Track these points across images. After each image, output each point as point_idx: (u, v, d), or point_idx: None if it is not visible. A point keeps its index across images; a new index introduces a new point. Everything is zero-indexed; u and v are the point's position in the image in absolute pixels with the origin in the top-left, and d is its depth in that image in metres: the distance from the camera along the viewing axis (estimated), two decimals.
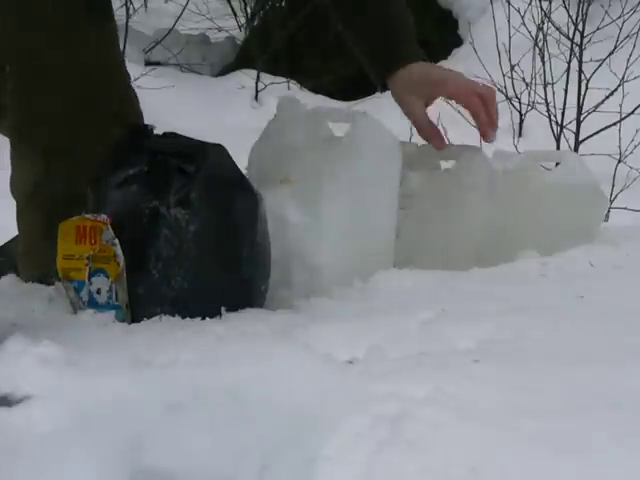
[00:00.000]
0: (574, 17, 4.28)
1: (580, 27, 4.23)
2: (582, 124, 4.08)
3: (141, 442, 0.95)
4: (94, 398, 0.98)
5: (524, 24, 4.59)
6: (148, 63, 6.41)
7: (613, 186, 3.79)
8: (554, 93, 4.17)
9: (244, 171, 1.52)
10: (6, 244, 1.81)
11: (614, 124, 4.05)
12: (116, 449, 0.95)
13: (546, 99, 4.22)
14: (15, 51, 1.63)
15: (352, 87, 6.41)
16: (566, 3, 4.40)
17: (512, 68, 4.53)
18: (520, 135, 4.93)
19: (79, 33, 1.64)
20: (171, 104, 4.95)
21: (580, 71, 4.13)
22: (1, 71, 1.64)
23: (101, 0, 1.70)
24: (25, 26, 1.62)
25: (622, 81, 4.12)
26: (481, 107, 1.68)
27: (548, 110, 4.19)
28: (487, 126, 1.69)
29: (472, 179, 1.66)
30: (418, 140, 1.75)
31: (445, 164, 1.73)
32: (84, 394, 0.98)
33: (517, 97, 4.60)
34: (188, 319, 1.30)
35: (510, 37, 4.62)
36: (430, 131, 1.67)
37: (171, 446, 0.95)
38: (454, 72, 1.75)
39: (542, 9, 4.57)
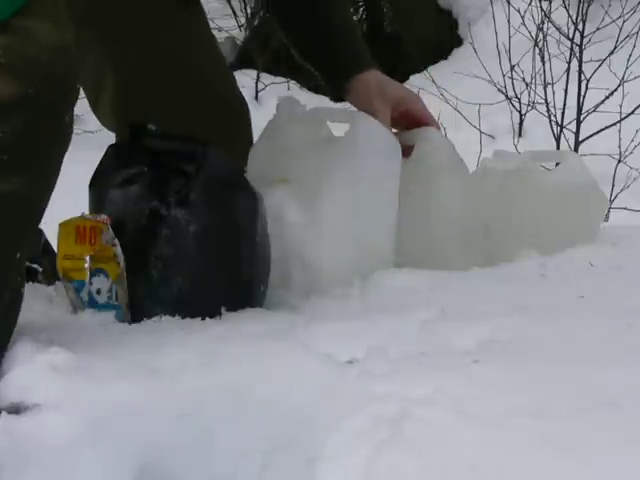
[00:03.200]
0: (574, 17, 4.28)
1: (580, 27, 4.23)
2: (582, 124, 4.08)
3: (152, 450, 0.95)
4: (104, 407, 0.98)
5: (524, 24, 4.60)
6: None
7: (613, 186, 3.80)
8: (554, 93, 4.17)
9: (244, 171, 1.52)
10: None
11: (614, 124, 4.05)
12: (127, 458, 0.95)
13: (546, 99, 4.22)
14: (114, 52, 1.66)
15: None
16: (566, 3, 4.40)
17: (512, 68, 4.53)
18: (520, 135, 4.93)
19: (170, 21, 1.67)
20: None
21: (580, 71, 4.13)
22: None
23: None
24: (121, 28, 1.65)
25: (622, 81, 4.12)
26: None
27: (548, 110, 4.20)
28: None
29: (433, 161, 1.65)
30: None
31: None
32: (94, 403, 0.98)
33: (517, 97, 4.60)
34: (188, 319, 1.30)
35: (510, 37, 4.62)
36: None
37: (179, 451, 0.95)
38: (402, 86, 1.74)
39: (542, 9, 4.57)
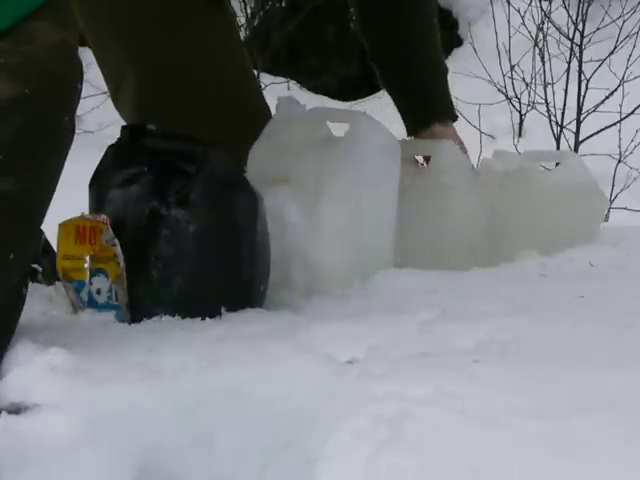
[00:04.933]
0: (574, 17, 4.28)
1: (580, 27, 4.23)
2: (582, 124, 4.09)
3: (152, 451, 0.95)
4: (104, 407, 0.98)
5: (524, 24, 4.60)
6: None
7: (613, 186, 3.80)
8: (554, 93, 4.17)
9: (244, 171, 1.52)
10: None
11: (614, 124, 4.05)
12: (127, 458, 0.95)
13: (546, 99, 4.22)
14: (136, 52, 1.66)
15: (352, 87, 6.42)
16: (566, 3, 4.40)
17: (512, 68, 4.54)
18: (520, 135, 4.93)
19: (196, 21, 1.67)
20: None
21: (580, 71, 4.13)
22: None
23: None
24: (143, 28, 1.65)
25: (622, 81, 4.12)
26: None
27: (548, 110, 4.20)
28: None
29: (449, 178, 1.66)
30: None
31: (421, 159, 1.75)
32: (94, 403, 0.98)
33: (517, 97, 4.60)
34: (188, 319, 1.30)
35: (510, 37, 4.62)
36: None
37: (179, 452, 0.95)
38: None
39: (542, 9, 4.57)
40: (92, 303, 1.34)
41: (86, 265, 1.34)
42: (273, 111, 1.63)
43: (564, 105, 4.14)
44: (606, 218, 3.16)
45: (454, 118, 1.87)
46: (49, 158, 1.14)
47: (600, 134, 4.09)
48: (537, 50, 4.47)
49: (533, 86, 4.46)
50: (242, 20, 7.16)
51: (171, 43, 1.66)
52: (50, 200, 1.16)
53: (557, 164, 1.94)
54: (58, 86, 1.12)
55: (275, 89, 5.90)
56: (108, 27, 1.68)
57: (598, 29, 4.37)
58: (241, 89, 1.74)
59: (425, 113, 1.83)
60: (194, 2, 1.69)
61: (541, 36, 4.47)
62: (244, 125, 1.65)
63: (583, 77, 4.12)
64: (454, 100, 1.86)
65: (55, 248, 1.37)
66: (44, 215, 1.16)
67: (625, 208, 3.71)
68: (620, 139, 3.98)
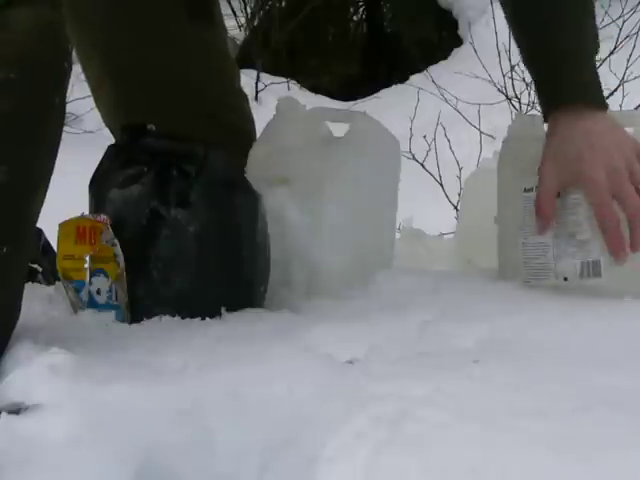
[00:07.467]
0: None
1: None
2: None
3: (152, 450, 0.95)
4: (104, 407, 0.98)
5: None
6: None
7: None
8: None
9: (244, 171, 1.52)
10: None
11: None
12: (127, 458, 0.95)
13: None
14: (114, 55, 1.67)
15: (352, 87, 6.43)
16: None
17: (512, 68, 4.53)
18: None
19: (176, 36, 1.66)
20: None
21: None
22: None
23: (203, 4, 1.71)
24: (123, 29, 1.65)
25: (622, 81, 4.12)
26: (612, 222, 1.32)
27: None
28: (614, 247, 1.33)
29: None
30: (417, 140, 1.75)
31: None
32: (94, 403, 0.98)
33: (517, 97, 4.60)
34: (188, 319, 1.30)
35: (510, 37, 4.61)
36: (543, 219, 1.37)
37: (179, 451, 0.96)
38: (599, 146, 1.40)
39: None
40: (92, 303, 1.34)
41: (86, 265, 1.34)
42: (273, 111, 1.63)
43: None
44: None
45: (598, 103, 1.48)
46: (41, 142, 1.12)
47: None
48: None
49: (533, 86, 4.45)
50: (242, 20, 7.17)
51: (148, 54, 1.66)
52: (46, 187, 1.14)
53: None
54: (42, 68, 1.11)
55: (275, 89, 5.91)
56: (91, 35, 1.69)
57: (598, 29, 4.37)
58: (222, 103, 1.72)
59: (550, 93, 1.45)
60: (175, 16, 1.68)
61: None
62: (224, 138, 1.64)
63: None
64: (454, 100, 1.83)
65: (55, 248, 1.37)
66: (40, 204, 1.14)
67: None
68: None
